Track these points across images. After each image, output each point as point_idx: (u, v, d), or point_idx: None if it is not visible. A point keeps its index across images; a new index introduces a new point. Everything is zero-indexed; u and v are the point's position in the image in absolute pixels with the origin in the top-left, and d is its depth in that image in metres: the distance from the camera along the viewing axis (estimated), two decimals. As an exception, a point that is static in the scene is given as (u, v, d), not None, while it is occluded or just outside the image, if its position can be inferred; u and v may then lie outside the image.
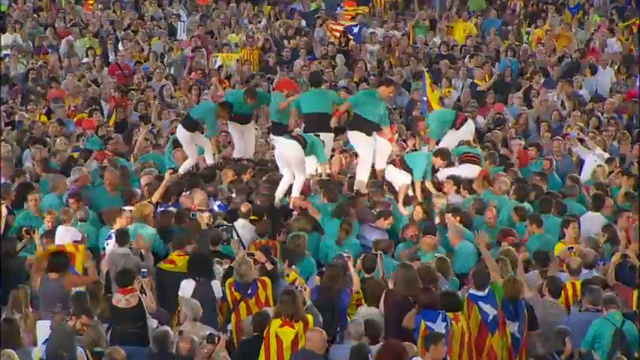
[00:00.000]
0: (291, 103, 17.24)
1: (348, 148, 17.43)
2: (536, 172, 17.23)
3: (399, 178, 15.97)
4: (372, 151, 16.20)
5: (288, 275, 12.84)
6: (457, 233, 14.09)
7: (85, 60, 25.43)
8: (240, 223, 14.60)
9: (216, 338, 11.07)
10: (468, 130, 17.49)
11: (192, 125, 17.21)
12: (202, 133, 17.44)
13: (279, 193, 15.65)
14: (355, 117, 16.30)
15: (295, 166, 15.60)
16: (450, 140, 17.36)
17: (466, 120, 17.66)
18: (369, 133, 16.15)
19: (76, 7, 29.74)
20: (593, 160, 17.94)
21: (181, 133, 17.25)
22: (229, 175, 16.36)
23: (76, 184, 15.82)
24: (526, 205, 15.45)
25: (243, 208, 14.81)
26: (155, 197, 14.99)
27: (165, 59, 25.63)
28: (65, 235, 13.71)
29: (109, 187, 15.83)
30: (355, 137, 16.28)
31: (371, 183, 16.26)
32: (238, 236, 14.28)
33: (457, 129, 17.37)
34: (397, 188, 16.10)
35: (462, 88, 23.88)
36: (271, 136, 17.74)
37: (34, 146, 18.11)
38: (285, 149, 15.71)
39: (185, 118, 17.75)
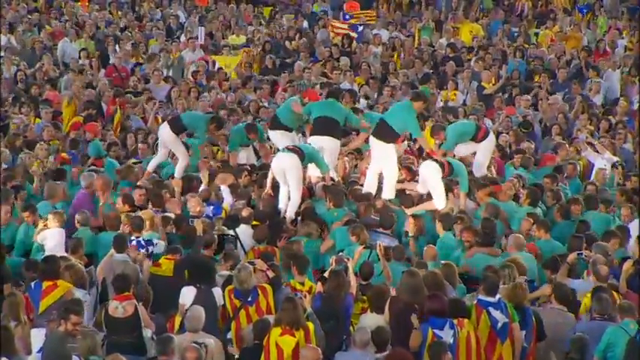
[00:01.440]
0: (304, 109, 17.32)
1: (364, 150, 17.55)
2: (547, 174, 17.29)
3: (433, 188, 15.86)
4: (395, 164, 16.22)
5: (302, 283, 12.79)
6: (516, 243, 14.04)
7: (80, 62, 25.43)
8: (242, 229, 14.62)
9: (202, 346, 11.02)
10: (490, 143, 17.41)
11: (179, 128, 17.40)
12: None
13: (282, 204, 15.66)
14: (383, 125, 16.32)
15: (292, 179, 15.54)
16: (469, 150, 17.38)
17: (488, 133, 17.50)
18: (392, 142, 16.23)
19: (74, 7, 29.80)
20: (602, 164, 18.01)
21: (167, 133, 17.32)
22: (228, 179, 16.39)
23: (88, 190, 15.85)
24: (538, 209, 15.49)
25: (245, 213, 14.84)
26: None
27: (161, 61, 25.60)
28: (57, 238, 13.77)
29: (101, 193, 15.90)
30: (379, 147, 16.29)
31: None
32: (240, 243, 14.29)
33: (478, 142, 17.25)
34: (422, 185, 16.10)
35: (468, 91, 23.90)
36: (269, 131, 17.78)
37: (24, 151, 18.14)
38: (282, 162, 15.65)
39: (175, 119, 17.82)
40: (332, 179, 16.43)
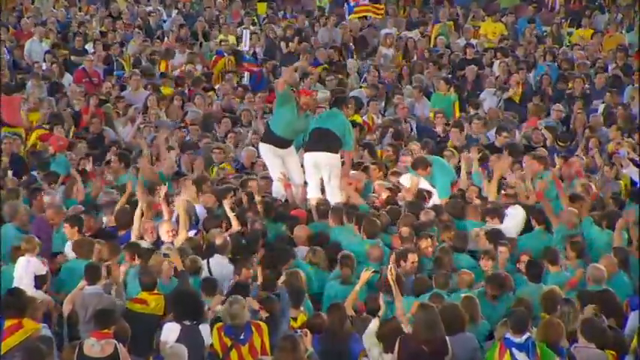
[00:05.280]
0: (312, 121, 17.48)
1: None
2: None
3: None
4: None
5: (295, 319, 12.83)
6: (594, 275, 13.91)
7: (45, 66, 25.50)
8: (216, 260, 14.43)
9: None
10: None
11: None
12: None
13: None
14: None
15: None
16: None
17: None
18: None
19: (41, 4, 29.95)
20: (646, 182, 18.15)
21: None
22: (209, 200, 16.37)
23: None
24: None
25: (219, 240, 14.64)
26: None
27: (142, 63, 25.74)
28: (27, 268, 13.79)
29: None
30: None
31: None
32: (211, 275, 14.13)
33: None
34: None
35: (499, 100, 24.02)
36: (260, 145, 17.85)
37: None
38: None
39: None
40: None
